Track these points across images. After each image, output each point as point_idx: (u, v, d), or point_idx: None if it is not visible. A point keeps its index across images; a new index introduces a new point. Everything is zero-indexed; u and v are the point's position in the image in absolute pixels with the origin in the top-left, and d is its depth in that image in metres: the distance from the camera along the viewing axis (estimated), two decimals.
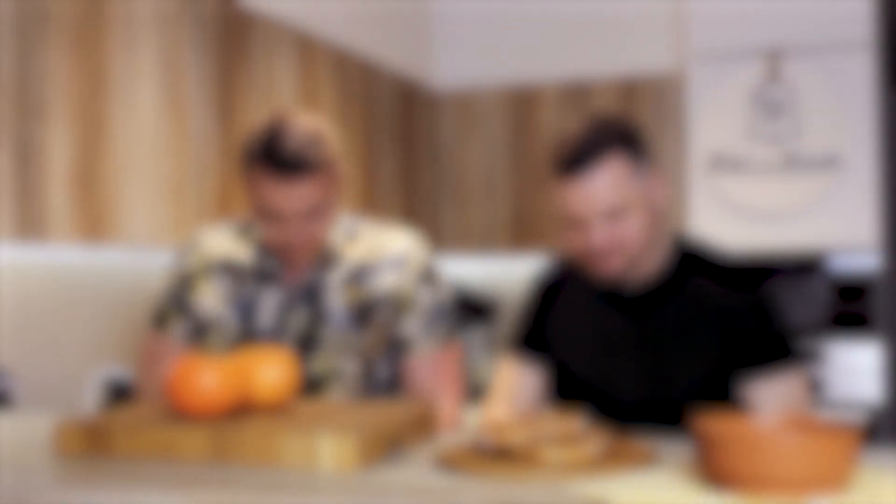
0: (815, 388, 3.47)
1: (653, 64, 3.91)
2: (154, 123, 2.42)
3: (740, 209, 3.61)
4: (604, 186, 1.59)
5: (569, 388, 1.79)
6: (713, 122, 3.66)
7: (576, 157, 1.60)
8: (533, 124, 3.99)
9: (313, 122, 1.80)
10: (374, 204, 3.51)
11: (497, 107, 4.05)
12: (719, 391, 1.66)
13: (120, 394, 2.59)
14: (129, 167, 2.34)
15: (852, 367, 3.45)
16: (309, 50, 3.11)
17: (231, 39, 2.73)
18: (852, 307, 3.46)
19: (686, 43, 3.74)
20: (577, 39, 4.09)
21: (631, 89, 3.84)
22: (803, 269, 3.53)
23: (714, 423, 1.17)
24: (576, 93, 3.92)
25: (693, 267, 1.73)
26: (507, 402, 1.86)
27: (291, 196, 1.74)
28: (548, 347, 1.84)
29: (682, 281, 1.72)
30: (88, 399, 2.57)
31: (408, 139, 3.83)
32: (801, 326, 3.51)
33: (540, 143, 3.96)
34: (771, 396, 1.63)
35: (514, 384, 1.86)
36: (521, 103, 4.01)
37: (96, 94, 2.25)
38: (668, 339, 1.69)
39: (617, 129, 1.65)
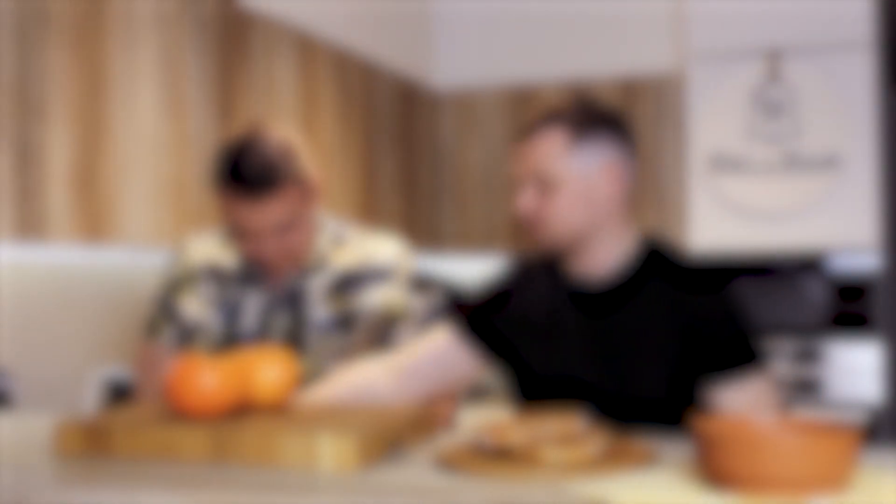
0: (813, 388, 3.47)
1: (653, 64, 3.91)
2: (154, 123, 2.42)
3: (740, 209, 3.61)
4: (535, 152, 1.66)
5: (532, 389, 1.76)
6: (713, 122, 3.66)
7: (530, 125, 1.69)
8: None
9: (282, 137, 1.78)
10: (373, 204, 3.51)
11: (497, 107, 4.05)
12: (685, 391, 1.63)
13: (120, 394, 2.59)
14: (129, 167, 2.34)
15: (852, 367, 3.45)
16: (309, 50, 3.11)
17: (231, 39, 2.73)
18: (852, 307, 3.46)
19: (686, 43, 3.74)
20: (577, 39, 4.09)
21: (631, 89, 3.84)
22: (803, 269, 3.52)
23: (714, 423, 1.17)
24: (576, 93, 3.91)
25: (656, 268, 1.70)
26: (422, 365, 1.76)
27: (260, 214, 1.73)
28: (492, 342, 1.79)
29: (643, 282, 1.68)
30: (88, 399, 2.57)
31: (408, 139, 3.82)
32: (801, 326, 3.51)
33: None
34: (736, 402, 1.60)
35: (441, 352, 1.79)
36: (521, 103, 4.00)
37: (96, 94, 2.25)
38: (625, 338, 1.66)
39: (583, 110, 1.68)
